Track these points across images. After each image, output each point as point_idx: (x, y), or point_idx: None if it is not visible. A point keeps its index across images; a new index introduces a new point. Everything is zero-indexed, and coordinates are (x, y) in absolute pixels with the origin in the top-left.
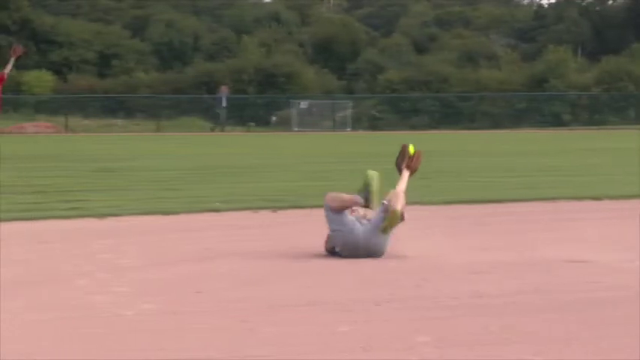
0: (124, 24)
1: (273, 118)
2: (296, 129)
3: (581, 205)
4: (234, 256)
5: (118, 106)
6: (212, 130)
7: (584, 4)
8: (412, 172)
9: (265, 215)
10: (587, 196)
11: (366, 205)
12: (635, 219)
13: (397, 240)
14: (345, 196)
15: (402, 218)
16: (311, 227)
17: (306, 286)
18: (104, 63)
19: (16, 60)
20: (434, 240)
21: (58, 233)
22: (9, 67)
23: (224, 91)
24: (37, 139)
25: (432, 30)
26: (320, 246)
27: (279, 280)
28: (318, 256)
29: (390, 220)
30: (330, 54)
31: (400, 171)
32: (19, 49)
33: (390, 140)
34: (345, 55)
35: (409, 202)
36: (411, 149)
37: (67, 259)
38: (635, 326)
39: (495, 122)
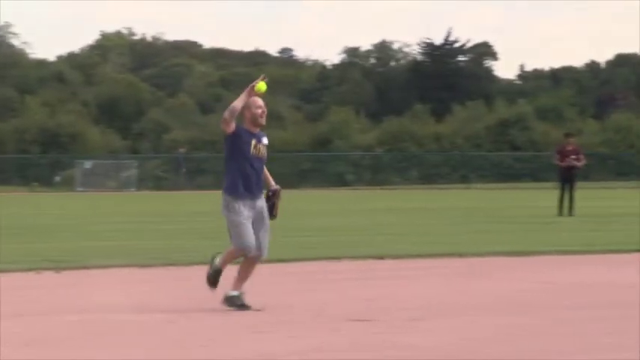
0: None
1: (57, 178)
2: (80, 189)
3: (364, 264)
4: (15, 317)
5: None
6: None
7: (367, 65)
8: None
9: (48, 276)
10: (370, 256)
11: None
12: (420, 278)
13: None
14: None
15: None
16: (94, 288)
17: (85, 348)
18: None
19: None
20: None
21: None
22: None
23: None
24: None
25: (217, 90)
26: (99, 306)
27: (60, 341)
28: (101, 316)
29: None
30: (115, 114)
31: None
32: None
33: (175, 200)
34: (129, 114)
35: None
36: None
37: None
38: None
39: (280, 182)
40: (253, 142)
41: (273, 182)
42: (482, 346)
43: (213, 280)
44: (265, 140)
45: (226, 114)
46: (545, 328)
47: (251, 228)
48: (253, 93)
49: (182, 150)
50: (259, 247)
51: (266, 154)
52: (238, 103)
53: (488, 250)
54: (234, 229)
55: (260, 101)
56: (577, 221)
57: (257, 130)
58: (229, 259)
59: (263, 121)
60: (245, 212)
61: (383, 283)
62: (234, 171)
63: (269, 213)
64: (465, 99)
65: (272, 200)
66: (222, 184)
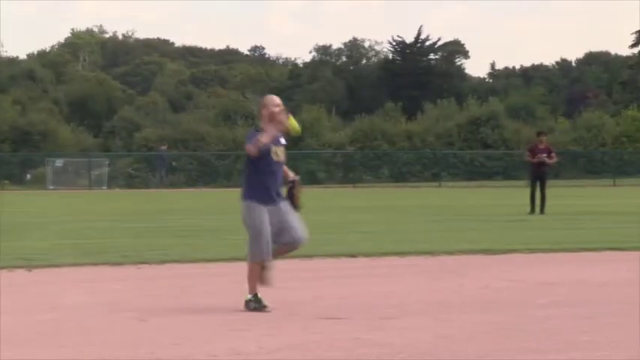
0: None
1: (28, 176)
2: (51, 187)
3: (337, 262)
4: None
5: None
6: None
7: (338, 63)
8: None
9: (20, 274)
10: (343, 254)
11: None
12: (392, 276)
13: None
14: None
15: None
16: (66, 286)
17: (56, 347)
18: None
19: None
20: (184, 300)
21: None
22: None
23: (164, 148)
24: None
25: (188, 89)
26: (71, 305)
27: (32, 339)
28: (73, 314)
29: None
30: (86, 112)
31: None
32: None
33: (146, 198)
34: (101, 112)
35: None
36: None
37: None
38: None
39: None
40: (272, 147)
41: (290, 174)
42: (457, 344)
43: (258, 306)
44: (283, 140)
45: (254, 150)
46: (520, 326)
47: (269, 233)
48: (285, 129)
49: (163, 147)
50: (295, 233)
51: (284, 155)
52: (266, 140)
53: (460, 248)
54: (252, 232)
55: (277, 99)
56: (548, 219)
57: None
58: (254, 278)
59: (282, 118)
60: (265, 215)
61: (355, 282)
62: (253, 178)
63: (292, 205)
64: (436, 97)
65: (292, 192)
66: (242, 190)
